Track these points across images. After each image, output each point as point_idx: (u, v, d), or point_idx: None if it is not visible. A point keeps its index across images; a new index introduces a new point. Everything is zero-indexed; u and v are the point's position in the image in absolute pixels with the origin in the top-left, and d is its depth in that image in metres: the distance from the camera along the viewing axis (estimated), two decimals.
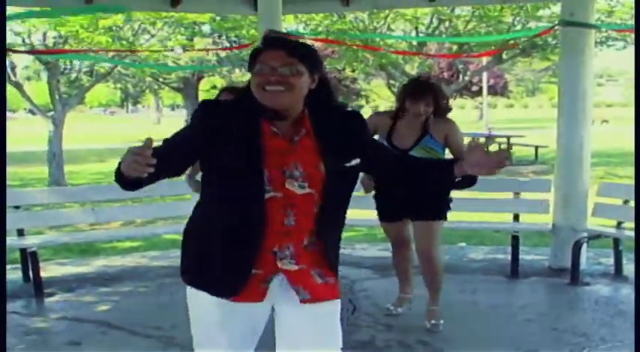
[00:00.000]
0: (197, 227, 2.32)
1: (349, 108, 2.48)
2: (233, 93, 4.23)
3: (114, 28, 13.75)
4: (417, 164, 2.49)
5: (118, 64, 14.60)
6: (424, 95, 4.29)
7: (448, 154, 4.40)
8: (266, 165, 2.15)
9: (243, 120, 2.19)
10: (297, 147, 2.20)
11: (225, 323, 2.29)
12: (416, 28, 16.98)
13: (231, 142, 2.16)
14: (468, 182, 2.34)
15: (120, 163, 1.97)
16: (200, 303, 2.31)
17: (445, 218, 4.49)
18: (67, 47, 14.04)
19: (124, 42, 14.25)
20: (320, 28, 15.43)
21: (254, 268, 2.20)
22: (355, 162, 2.26)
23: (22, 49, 13.69)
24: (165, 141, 2.17)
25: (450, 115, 4.52)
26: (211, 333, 2.33)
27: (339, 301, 2.34)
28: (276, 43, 2.20)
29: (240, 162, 2.15)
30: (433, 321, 4.49)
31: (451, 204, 4.50)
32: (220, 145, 2.16)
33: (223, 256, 2.22)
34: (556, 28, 7.14)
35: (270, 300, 2.29)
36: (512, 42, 13.61)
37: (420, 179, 2.48)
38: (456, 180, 2.27)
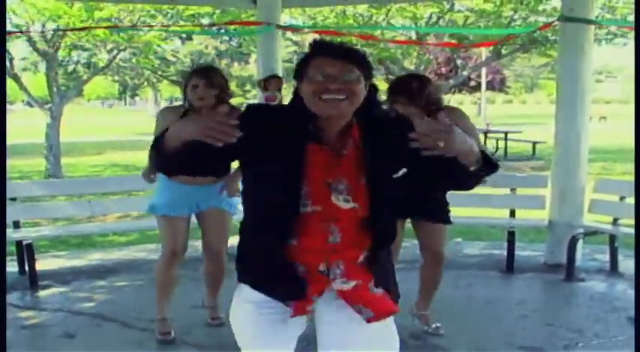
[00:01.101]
0: (243, 232, 2.23)
1: (395, 114, 2.32)
2: (202, 76, 3.97)
3: (112, 19, 13.70)
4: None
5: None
6: (405, 94, 4.03)
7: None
8: (307, 179, 2.04)
9: (289, 128, 2.06)
10: (342, 159, 2.08)
11: (258, 327, 2.20)
12: (415, 23, 16.96)
13: (273, 151, 2.04)
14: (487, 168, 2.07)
15: (166, 131, 1.96)
16: (243, 300, 2.22)
17: (450, 222, 4.32)
18: (65, 39, 14.04)
19: (123, 35, 14.22)
20: (321, 22, 15.45)
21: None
22: (402, 172, 2.12)
23: (23, 39, 13.69)
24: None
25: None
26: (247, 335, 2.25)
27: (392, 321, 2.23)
28: (332, 48, 2.07)
29: (279, 173, 2.04)
30: (433, 325, 4.38)
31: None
32: (262, 152, 2.05)
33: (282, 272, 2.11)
34: (555, 23, 7.13)
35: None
36: (511, 36, 13.61)
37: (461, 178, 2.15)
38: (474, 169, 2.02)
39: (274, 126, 2.07)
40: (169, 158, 2.01)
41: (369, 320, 2.13)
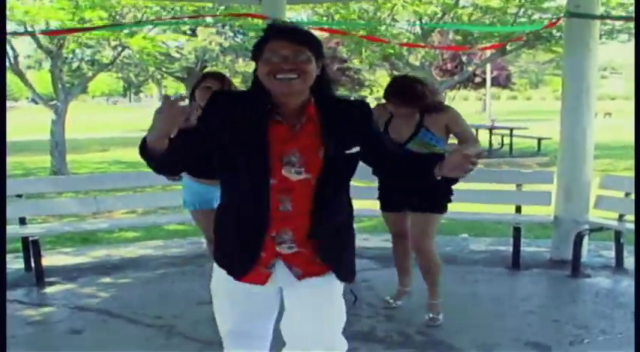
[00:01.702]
0: (219, 212, 2.44)
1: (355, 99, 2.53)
2: (217, 79, 4.20)
3: (114, 15, 13.69)
4: (407, 158, 2.58)
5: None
6: (395, 98, 4.17)
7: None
8: (270, 151, 2.22)
9: (250, 110, 2.26)
10: (298, 133, 2.26)
11: (232, 300, 2.46)
12: (420, 19, 16.93)
13: (239, 132, 2.23)
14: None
15: (144, 138, 2.17)
16: (216, 278, 2.48)
17: (441, 211, 4.42)
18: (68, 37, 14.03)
19: (126, 31, 14.21)
20: (325, 19, 15.41)
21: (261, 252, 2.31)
22: (355, 149, 2.31)
23: (26, 39, 13.69)
24: (180, 132, 2.27)
25: (453, 107, 4.43)
26: (223, 309, 2.52)
27: (337, 282, 2.42)
28: (284, 31, 2.25)
29: (247, 152, 2.22)
30: (431, 315, 4.47)
31: (452, 197, 4.44)
32: (229, 135, 2.24)
33: (236, 240, 2.34)
34: (561, 20, 7.10)
35: (276, 284, 2.40)
36: (516, 36, 13.55)
37: (409, 173, 2.57)
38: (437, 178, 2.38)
39: (237, 109, 2.28)
40: (160, 162, 2.22)
41: (298, 278, 2.34)
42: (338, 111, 2.33)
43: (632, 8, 14.92)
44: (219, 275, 2.45)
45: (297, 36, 2.24)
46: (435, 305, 4.51)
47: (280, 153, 2.23)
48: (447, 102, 5.52)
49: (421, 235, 4.40)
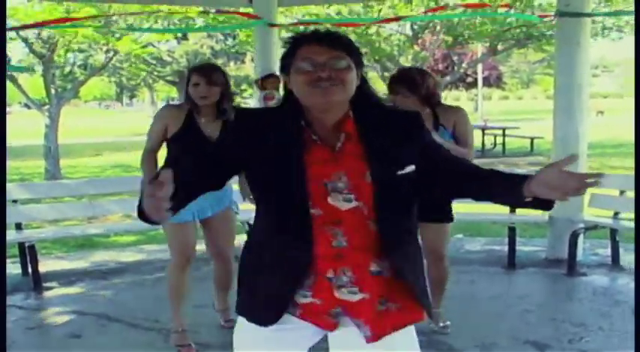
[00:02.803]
0: (249, 249, 2.10)
1: (405, 109, 2.21)
2: (203, 74, 3.87)
3: (102, 21, 13.66)
4: (487, 178, 1.99)
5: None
6: (394, 90, 4.08)
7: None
8: (307, 177, 1.90)
9: (282, 128, 1.96)
10: (339, 154, 1.93)
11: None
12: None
13: (270, 154, 1.93)
14: (542, 205, 1.88)
15: (140, 202, 1.82)
16: (245, 331, 2.08)
17: (452, 219, 4.31)
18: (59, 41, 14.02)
19: (117, 35, 14.20)
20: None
21: (311, 297, 1.95)
22: (409, 169, 1.95)
23: (19, 41, 13.67)
24: (200, 156, 2.05)
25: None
26: None
27: (412, 328, 2.06)
28: (316, 35, 1.96)
29: (281, 176, 1.92)
30: (441, 323, 4.37)
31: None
32: (259, 158, 1.95)
33: (268, 282, 1.98)
34: (552, 18, 7.14)
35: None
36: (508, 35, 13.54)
37: (488, 196, 2.02)
38: (526, 200, 1.86)
39: (266, 127, 1.97)
40: (175, 205, 1.78)
41: (367, 341, 1.95)
42: (384, 124, 1.98)
43: (621, 6, 15.01)
44: (247, 330, 2.06)
45: (333, 40, 1.93)
46: (442, 312, 4.40)
47: (322, 177, 1.91)
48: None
49: (443, 245, 4.29)
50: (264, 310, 1.99)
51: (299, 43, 1.95)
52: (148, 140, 4.09)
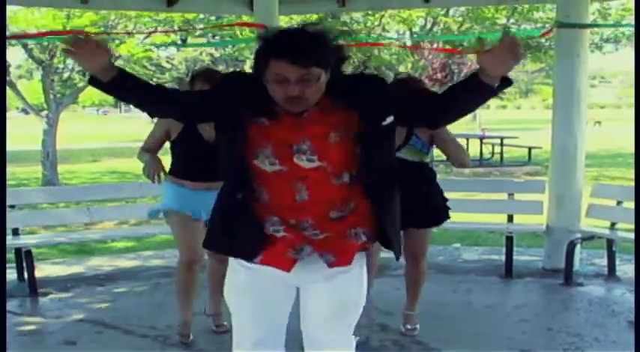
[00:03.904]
0: (219, 198, 2.40)
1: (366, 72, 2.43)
2: (206, 80, 3.89)
3: (102, 26, 13.68)
4: (454, 88, 2.30)
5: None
6: None
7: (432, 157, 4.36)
8: (272, 141, 2.20)
9: (254, 96, 2.22)
10: (303, 121, 2.20)
11: (250, 286, 2.39)
12: (410, 29, 17.02)
13: (231, 111, 2.23)
14: (505, 83, 2.17)
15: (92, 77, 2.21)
16: (231, 269, 2.45)
17: (436, 224, 4.34)
18: (59, 46, 14.00)
19: (117, 41, 14.21)
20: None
21: (283, 232, 2.27)
22: (390, 119, 2.24)
23: (19, 47, 13.67)
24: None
25: None
26: (238, 298, 2.45)
27: (363, 254, 2.39)
28: (287, 51, 2.09)
29: (232, 134, 2.24)
30: (408, 326, 4.44)
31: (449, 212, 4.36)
32: (227, 114, 2.25)
33: (238, 221, 2.30)
34: (553, 29, 7.16)
35: (296, 278, 2.35)
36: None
37: (463, 100, 2.26)
38: (495, 86, 2.13)
39: (243, 92, 2.24)
40: (132, 89, 2.29)
41: (329, 265, 2.29)
42: (354, 88, 2.24)
43: (618, 17, 15.09)
44: (232, 266, 2.44)
45: (305, 57, 2.08)
46: (414, 316, 4.49)
47: (287, 141, 2.20)
48: None
49: (422, 249, 4.36)
50: (245, 244, 2.31)
51: (271, 52, 2.11)
52: (145, 140, 4.19)
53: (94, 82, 2.22)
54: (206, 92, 2.54)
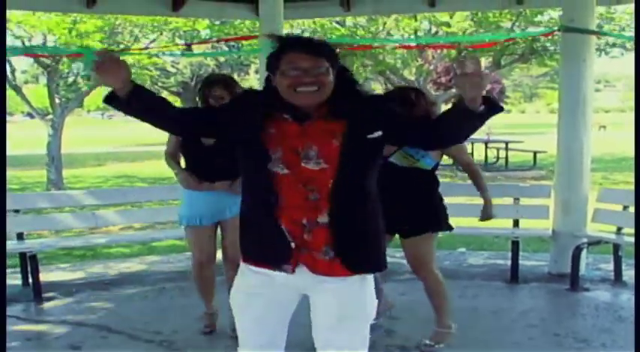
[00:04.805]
0: (242, 209, 2.49)
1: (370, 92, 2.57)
2: (226, 87, 4.13)
3: (106, 31, 13.70)
4: (444, 116, 2.39)
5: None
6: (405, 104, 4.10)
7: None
8: (281, 147, 2.30)
9: (259, 107, 2.35)
10: (308, 128, 2.30)
11: (259, 290, 2.44)
12: (415, 32, 17.01)
13: (244, 128, 2.35)
14: (494, 109, 2.24)
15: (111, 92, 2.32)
16: (240, 273, 2.51)
17: (435, 229, 4.21)
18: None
19: (122, 46, 14.25)
20: (318, 34, 15.47)
21: (306, 235, 2.33)
22: (377, 134, 2.32)
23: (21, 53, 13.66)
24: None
25: None
26: (245, 301, 2.48)
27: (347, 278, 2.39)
28: (302, 42, 2.31)
29: (248, 145, 2.35)
30: (427, 341, 4.25)
31: (448, 215, 4.28)
32: (238, 130, 2.37)
33: (264, 229, 2.38)
34: (555, 33, 7.15)
35: (303, 283, 2.40)
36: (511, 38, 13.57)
37: (451, 125, 2.35)
38: (480, 111, 2.20)
39: (255, 104, 2.38)
40: (148, 106, 2.39)
41: (329, 259, 2.35)
42: (356, 105, 2.35)
43: (623, 22, 15.06)
44: (244, 274, 2.48)
45: (315, 47, 2.28)
46: (437, 332, 4.28)
47: (294, 147, 2.30)
48: None
49: (417, 261, 4.21)
50: (278, 251, 2.37)
51: (285, 48, 2.29)
52: (166, 143, 4.54)
53: (109, 100, 2.33)
54: (220, 110, 2.62)
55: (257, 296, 2.45)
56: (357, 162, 2.33)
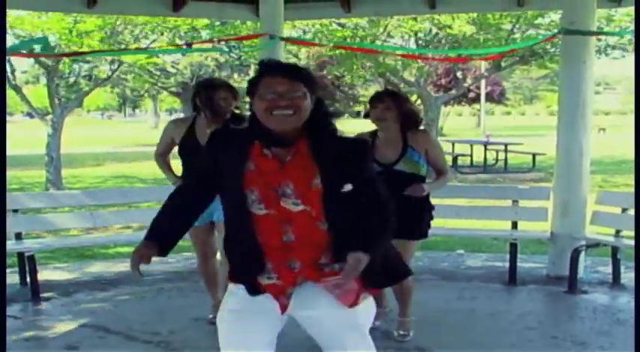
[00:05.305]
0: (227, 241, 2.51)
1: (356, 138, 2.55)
2: (230, 90, 4.41)
3: (107, 31, 13.69)
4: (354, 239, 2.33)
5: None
6: (381, 99, 4.25)
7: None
8: (255, 185, 2.29)
9: (238, 144, 2.35)
10: (287, 166, 2.29)
11: (245, 311, 2.42)
12: (415, 34, 17.02)
13: (226, 166, 2.34)
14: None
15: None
16: (228, 292, 2.51)
17: (419, 237, 4.38)
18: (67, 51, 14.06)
19: (123, 46, 14.25)
20: (320, 35, 15.49)
21: (276, 279, 2.36)
22: (347, 188, 2.30)
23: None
24: (185, 184, 2.67)
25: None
26: (230, 321, 2.45)
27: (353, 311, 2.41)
28: (279, 67, 2.31)
29: (228, 185, 2.35)
30: (401, 331, 4.47)
31: (431, 222, 4.43)
32: (221, 169, 2.37)
33: (240, 265, 2.43)
34: (557, 36, 7.15)
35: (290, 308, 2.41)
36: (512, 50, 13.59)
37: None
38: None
39: (229, 145, 2.37)
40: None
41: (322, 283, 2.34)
42: (333, 146, 2.33)
43: (624, 23, 15.06)
44: (232, 293, 2.47)
45: (292, 72, 2.28)
46: (406, 322, 4.50)
47: (272, 185, 2.28)
48: (441, 118, 5.44)
49: (406, 260, 4.32)
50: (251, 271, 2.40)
51: (264, 72, 2.30)
52: (157, 144, 4.71)
53: None
54: (205, 161, 2.49)
55: (243, 316, 2.42)
56: (340, 209, 2.31)
